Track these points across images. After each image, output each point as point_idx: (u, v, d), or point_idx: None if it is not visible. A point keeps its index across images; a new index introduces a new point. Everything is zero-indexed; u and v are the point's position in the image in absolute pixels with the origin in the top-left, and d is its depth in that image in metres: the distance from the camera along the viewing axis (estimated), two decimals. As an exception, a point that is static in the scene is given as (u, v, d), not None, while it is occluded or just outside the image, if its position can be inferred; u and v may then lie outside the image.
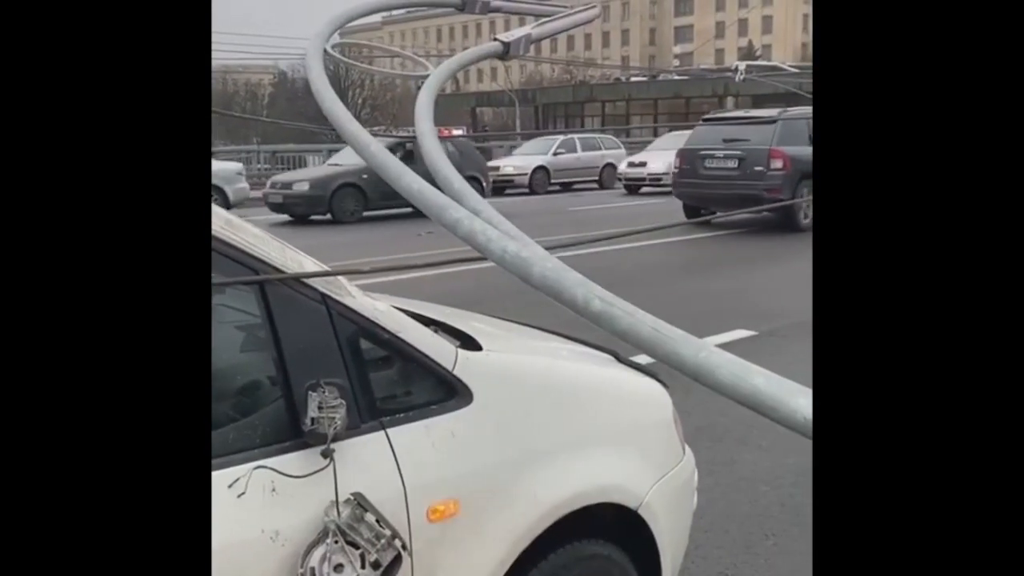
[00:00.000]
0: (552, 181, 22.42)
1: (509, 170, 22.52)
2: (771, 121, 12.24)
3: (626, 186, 21.46)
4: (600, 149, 24.06)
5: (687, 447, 2.29)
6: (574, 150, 23.30)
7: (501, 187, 21.67)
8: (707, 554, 3.13)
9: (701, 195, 12.55)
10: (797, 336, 6.47)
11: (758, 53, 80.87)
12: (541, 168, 22.38)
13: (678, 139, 21.60)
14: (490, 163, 22.93)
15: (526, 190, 21.90)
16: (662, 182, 20.54)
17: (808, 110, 10.26)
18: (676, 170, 13.19)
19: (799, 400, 0.85)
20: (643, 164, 21.30)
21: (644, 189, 20.90)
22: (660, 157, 21.20)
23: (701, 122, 13.93)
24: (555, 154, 22.90)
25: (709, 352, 0.95)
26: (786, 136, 11.97)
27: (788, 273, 9.33)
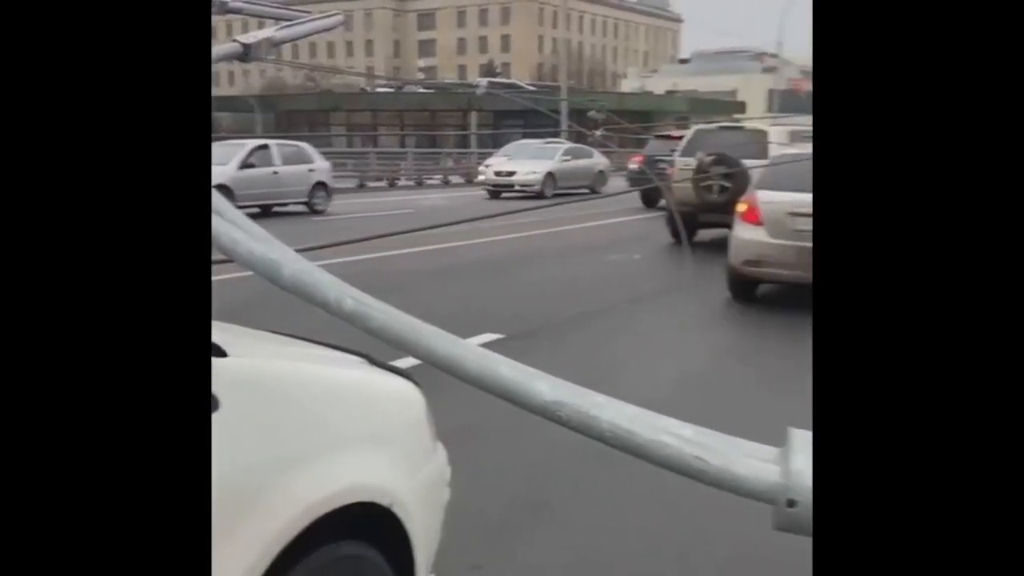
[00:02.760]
0: (239, 205, 15.87)
1: None
2: None
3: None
4: (312, 162, 18.49)
5: (439, 443, 2.36)
6: (270, 163, 17.27)
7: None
8: (458, 547, 3.23)
9: None
10: (541, 337, 6.87)
11: (498, 70, 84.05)
12: (220, 187, 14.56)
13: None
14: None
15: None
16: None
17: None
18: None
19: (538, 385, 0.92)
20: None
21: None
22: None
23: None
24: (244, 166, 16.66)
25: (459, 346, 1.01)
26: None
27: (532, 280, 9.83)
